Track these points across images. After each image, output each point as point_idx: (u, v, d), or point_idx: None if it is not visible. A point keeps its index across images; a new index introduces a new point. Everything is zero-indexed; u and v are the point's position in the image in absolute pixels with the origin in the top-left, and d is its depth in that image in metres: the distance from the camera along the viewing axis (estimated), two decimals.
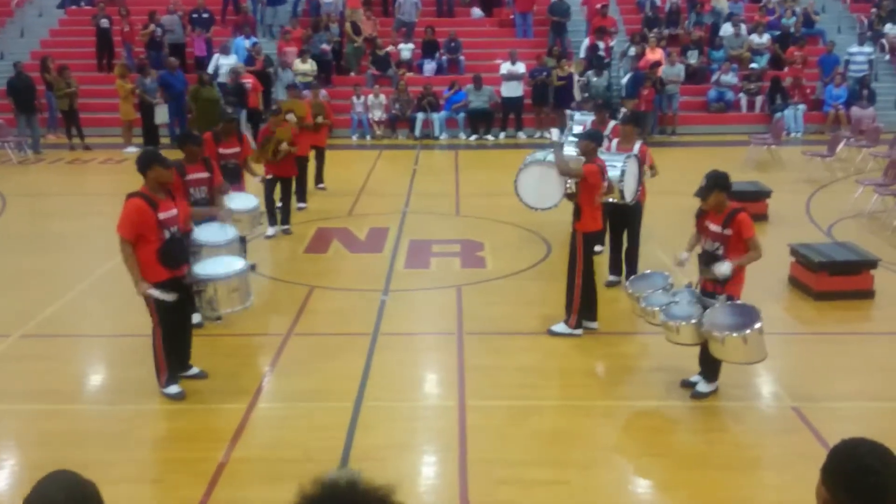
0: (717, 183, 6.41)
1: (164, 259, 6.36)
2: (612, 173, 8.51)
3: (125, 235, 6.27)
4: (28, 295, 9.09)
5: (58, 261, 10.25)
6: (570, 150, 9.36)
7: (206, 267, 6.65)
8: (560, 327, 7.86)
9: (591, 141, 7.80)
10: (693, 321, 6.27)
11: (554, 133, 8.52)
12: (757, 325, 6.03)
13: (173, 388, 6.65)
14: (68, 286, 9.26)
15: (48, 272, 9.85)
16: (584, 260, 7.72)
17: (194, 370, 6.99)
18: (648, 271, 7.36)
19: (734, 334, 6.04)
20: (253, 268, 9.79)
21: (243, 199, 8.71)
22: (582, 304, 7.76)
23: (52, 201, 13.90)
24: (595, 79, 18.33)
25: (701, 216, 6.61)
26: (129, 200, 6.36)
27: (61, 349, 7.83)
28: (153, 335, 6.57)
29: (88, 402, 6.84)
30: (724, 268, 6.26)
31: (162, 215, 6.36)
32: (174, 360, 6.68)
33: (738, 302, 6.35)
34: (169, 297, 6.40)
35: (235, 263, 6.79)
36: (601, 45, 19.42)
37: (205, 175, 7.97)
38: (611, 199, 8.77)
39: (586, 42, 20.17)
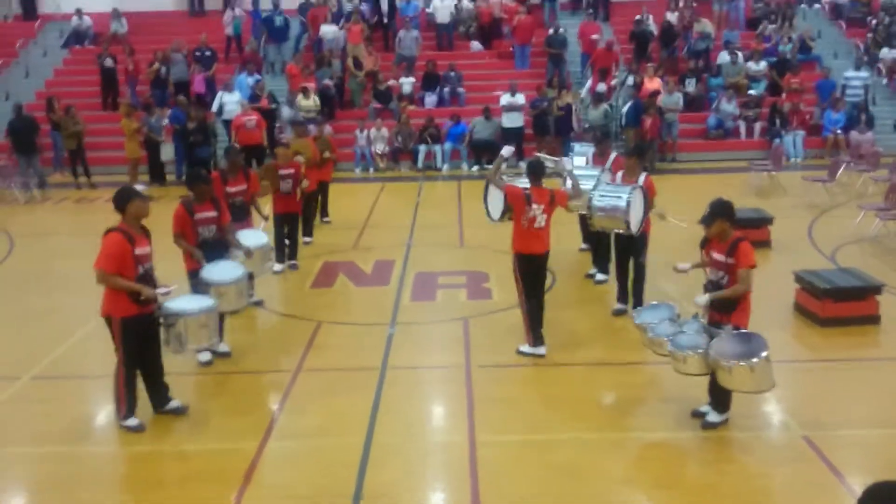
0: (720, 211, 6.49)
1: (134, 294, 6.52)
2: (618, 203, 8.60)
3: (106, 269, 6.44)
4: (37, 335, 9.14)
5: (65, 300, 10.30)
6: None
7: (176, 302, 6.80)
8: (525, 347, 8.19)
9: (528, 173, 8.15)
10: (700, 351, 6.31)
11: (505, 150, 8.73)
12: (763, 354, 6.06)
13: (133, 421, 6.77)
14: (76, 326, 9.28)
15: (56, 312, 9.91)
16: (522, 280, 8.06)
17: (175, 403, 7.06)
18: (655, 302, 7.40)
19: (741, 363, 6.07)
20: (260, 303, 9.89)
21: (253, 236, 8.78)
22: (532, 323, 8.08)
23: (59, 241, 14.00)
24: (593, 112, 18.50)
25: (706, 245, 6.67)
26: (107, 235, 6.56)
27: (70, 391, 7.85)
28: (116, 367, 6.70)
29: (98, 443, 6.83)
30: (701, 299, 6.43)
31: (138, 251, 6.56)
32: (134, 393, 6.80)
33: (744, 331, 6.39)
34: (171, 287, 6.82)
35: (204, 300, 6.97)
36: (603, 86, 19.45)
37: (213, 214, 8.04)
38: (618, 231, 8.85)
39: (589, 83, 20.05)
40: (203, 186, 8.06)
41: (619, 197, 8.64)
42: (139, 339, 6.66)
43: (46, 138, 18.58)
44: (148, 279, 6.66)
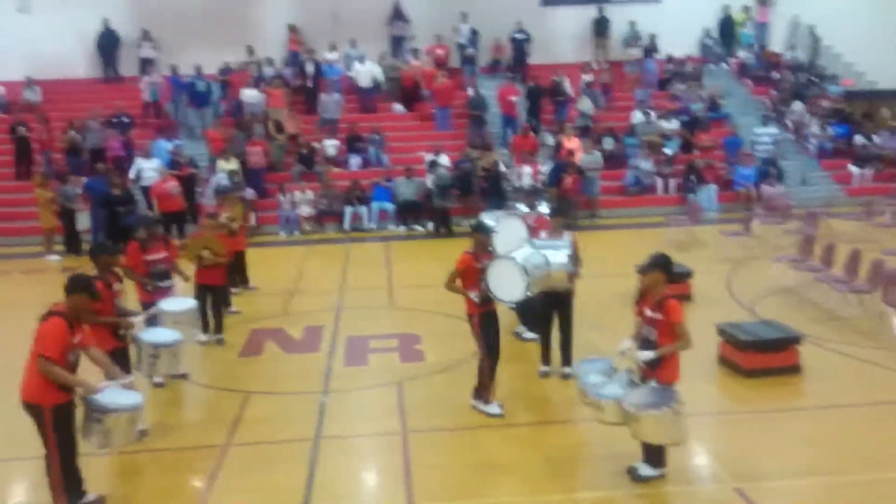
0: (658, 263, 6.67)
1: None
2: (559, 259, 8.56)
3: (52, 356, 6.02)
4: None
5: None
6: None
7: (105, 395, 6.32)
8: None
9: (475, 232, 8.24)
10: (616, 399, 6.40)
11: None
12: (671, 405, 6.17)
13: None
14: None
15: None
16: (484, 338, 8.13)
17: (90, 497, 6.54)
18: (595, 357, 7.42)
19: (649, 412, 6.17)
20: (185, 376, 9.58)
21: (179, 302, 8.62)
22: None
23: None
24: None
25: (639, 301, 6.79)
26: (51, 318, 6.13)
27: None
28: (48, 459, 6.23)
29: None
30: (645, 354, 6.50)
31: (75, 339, 6.26)
32: (73, 483, 6.37)
33: (662, 385, 6.48)
34: (127, 379, 6.56)
35: (134, 396, 6.52)
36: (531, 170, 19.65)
37: (119, 286, 7.89)
38: (556, 287, 8.85)
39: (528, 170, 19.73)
40: (104, 257, 7.86)
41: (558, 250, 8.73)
42: (69, 426, 6.26)
43: None
44: (74, 368, 6.30)
